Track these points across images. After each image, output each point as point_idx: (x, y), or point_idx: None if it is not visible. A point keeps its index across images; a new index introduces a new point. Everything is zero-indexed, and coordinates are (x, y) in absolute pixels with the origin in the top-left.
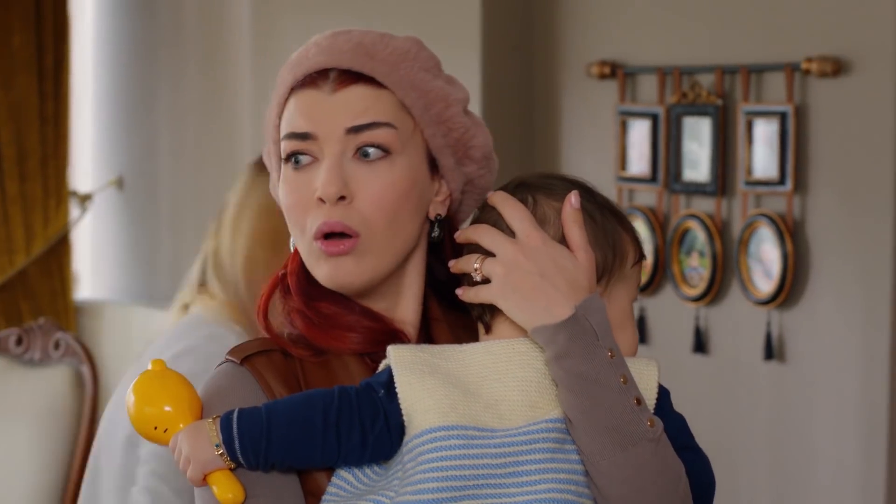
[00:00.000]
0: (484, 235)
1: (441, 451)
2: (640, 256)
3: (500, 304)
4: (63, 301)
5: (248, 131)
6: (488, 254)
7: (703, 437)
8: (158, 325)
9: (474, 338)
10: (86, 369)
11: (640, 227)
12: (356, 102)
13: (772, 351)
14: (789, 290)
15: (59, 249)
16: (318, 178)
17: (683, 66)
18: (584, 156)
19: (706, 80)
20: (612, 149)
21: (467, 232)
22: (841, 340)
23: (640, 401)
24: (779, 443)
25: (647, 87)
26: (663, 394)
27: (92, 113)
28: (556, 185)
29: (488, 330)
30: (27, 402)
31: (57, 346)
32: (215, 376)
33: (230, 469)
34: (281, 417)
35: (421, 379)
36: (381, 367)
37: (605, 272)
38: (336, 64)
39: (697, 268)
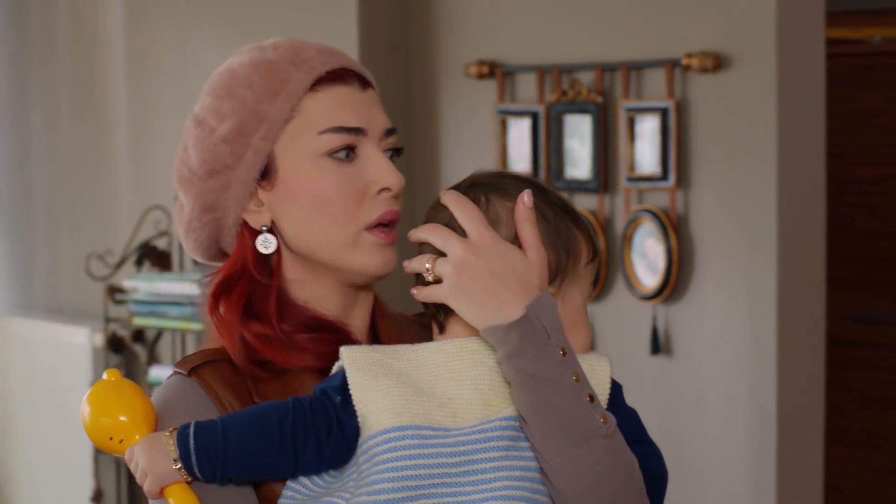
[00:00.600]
0: (435, 235)
1: (396, 451)
2: (594, 255)
3: (452, 304)
4: None
5: (122, 139)
6: (441, 253)
7: None
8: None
9: (418, 332)
10: None
11: None
12: (379, 105)
13: (658, 345)
14: (674, 284)
15: None
16: (368, 171)
17: (563, 65)
18: (465, 156)
19: (586, 78)
20: (492, 148)
21: (419, 231)
22: (727, 333)
23: (592, 398)
24: (668, 436)
25: (527, 85)
26: (616, 389)
27: None
28: (508, 184)
29: (442, 330)
30: None
31: None
32: (164, 388)
33: (187, 482)
34: (237, 433)
35: (374, 379)
36: (335, 368)
37: (558, 272)
38: (349, 66)
39: None
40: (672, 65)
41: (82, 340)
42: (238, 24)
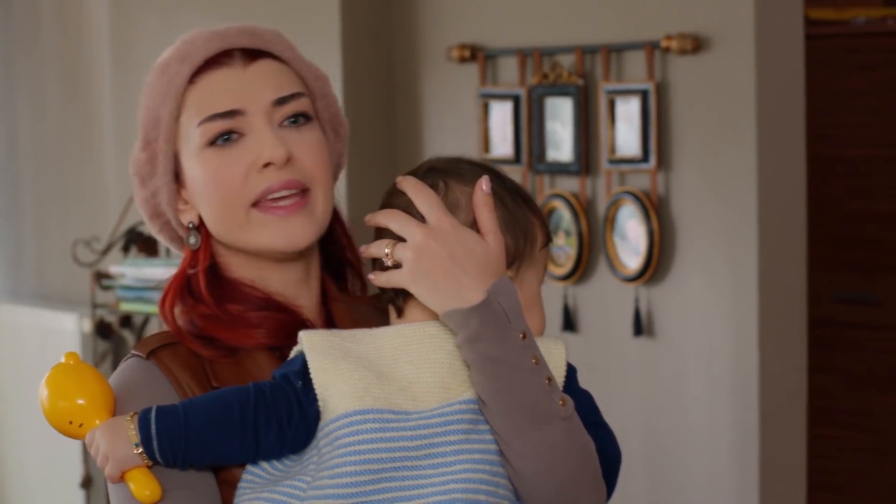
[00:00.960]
0: (394, 220)
1: (358, 434)
2: (548, 239)
3: (412, 289)
4: None
5: (108, 128)
6: (399, 239)
7: None
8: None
9: (374, 316)
10: None
11: None
12: (273, 75)
13: (641, 327)
14: (656, 266)
15: None
16: (252, 149)
17: (543, 47)
18: (447, 140)
19: (567, 61)
20: (474, 132)
21: (378, 217)
22: (710, 314)
23: (550, 380)
24: (650, 417)
25: (508, 69)
26: (571, 372)
27: None
28: (465, 169)
29: (400, 314)
30: None
31: None
32: (123, 370)
33: (148, 466)
34: (199, 419)
35: (334, 363)
36: (293, 353)
37: (516, 256)
38: (235, 45)
39: (564, 247)
40: (652, 47)
41: (70, 326)
42: (222, 14)
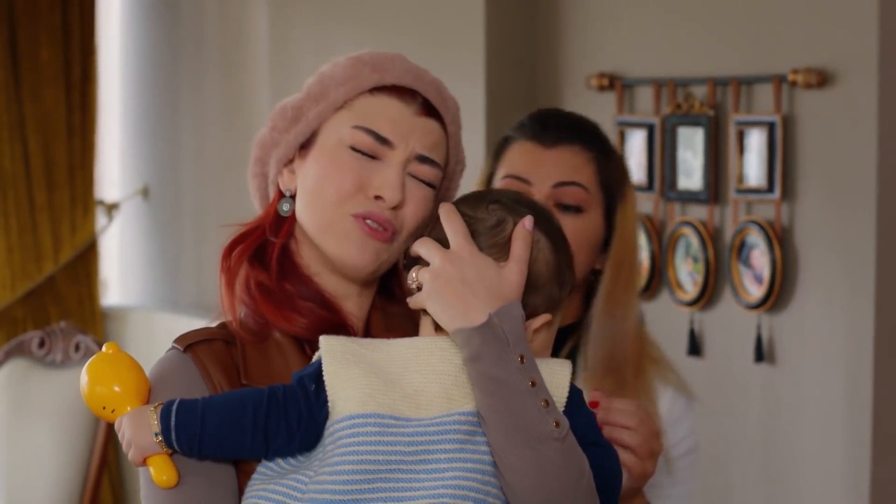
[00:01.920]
0: (422, 247)
1: (357, 436)
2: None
3: (427, 308)
4: (90, 307)
5: None
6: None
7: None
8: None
9: (405, 323)
10: None
11: (639, 233)
12: (431, 135)
13: (762, 353)
14: (778, 294)
15: (87, 256)
16: (377, 175)
17: (678, 78)
18: None
19: (699, 92)
20: None
21: (414, 245)
22: (827, 343)
23: (548, 402)
24: (768, 442)
25: (644, 98)
26: (574, 393)
27: (118, 124)
28: (524, 207)
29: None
30: (49, 402)
31: (77, 348)
32: (161, 362)
33: (168, 454)
34: (214, 416)
35: (346, 368)
36: (315, 357)
37: (559, 302)
38: (424, 92)
39: (691, 273)
40: (779, 80)
41: None
42: (373, 28)
